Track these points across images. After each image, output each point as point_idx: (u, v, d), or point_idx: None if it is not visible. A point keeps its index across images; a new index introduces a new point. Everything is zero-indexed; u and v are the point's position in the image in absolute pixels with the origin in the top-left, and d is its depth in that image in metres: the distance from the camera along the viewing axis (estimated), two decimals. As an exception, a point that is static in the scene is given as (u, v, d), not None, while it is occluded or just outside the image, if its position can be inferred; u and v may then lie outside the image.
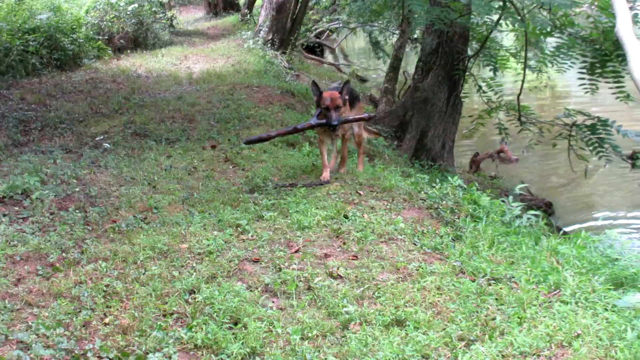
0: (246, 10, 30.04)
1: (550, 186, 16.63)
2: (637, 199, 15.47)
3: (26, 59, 17.28)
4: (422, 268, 7.15)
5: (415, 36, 24.01)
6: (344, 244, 7.69)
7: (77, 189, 8.90)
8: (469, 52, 15.50)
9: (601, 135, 13.20)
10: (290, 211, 8.50)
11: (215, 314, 6.00)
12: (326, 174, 9.79)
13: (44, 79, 17.07)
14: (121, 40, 22.79)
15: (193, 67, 20.48)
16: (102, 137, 12.02)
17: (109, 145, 11.40)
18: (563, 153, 14.26)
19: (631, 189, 15.84)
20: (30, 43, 17.66)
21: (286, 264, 7.10)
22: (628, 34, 6.84)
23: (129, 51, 22.60)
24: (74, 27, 19.68)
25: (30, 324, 5.53)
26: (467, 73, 15.34)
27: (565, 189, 16.33)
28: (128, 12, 23.07)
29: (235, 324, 5.93)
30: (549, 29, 13.53)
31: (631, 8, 17.19)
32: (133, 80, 17.93)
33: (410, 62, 24.94)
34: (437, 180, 10.46)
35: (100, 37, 21.39)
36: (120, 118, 13.47)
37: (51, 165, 9.76)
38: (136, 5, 23.56)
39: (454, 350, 5.70)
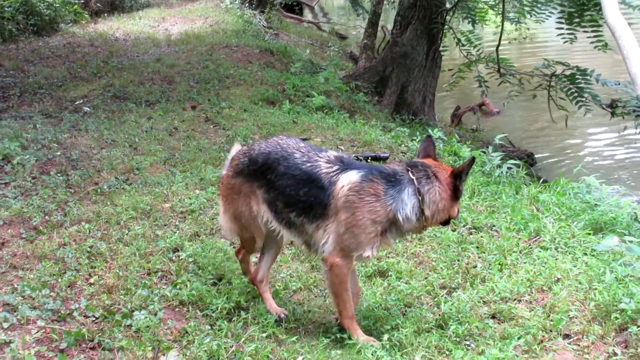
0: (223, -30, 29.75)
1: (532, 137, 16.69)
2: (617, 147, 15.56)
3: (2, 25, 17.13)
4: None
5: (394, -9, 23.89)
6: (326, 198, 7.72)
7: (58, 153, 8.88)
8: (447, 5, 15.44)
9: (580, 85, 13.23)
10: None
11: (200, 270, 6.06)
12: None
13: (21, 45, 16.96)
14: (98, 4, 22.61)
15: (171, 29, 20.36)
16: (81, 101, 11.97)
17: (88, 109, 11.36)
18: (544, 104, 14.28)
19: (611, 137, 15.92)
20: (6, 9, 17.47)
21: (269, 219, 7.14)
22: (602, -20, 6.87)
23: (106, 14, 22.44)
24: (50, -9, 19.49)
25: (15, 286, 5.54)
26: (445, 26, 15.29)
27: (546, 139, 16.39)
28: (104, -25, 22.84)
29: (220, 279, 5.99)
30: (526, -21, 13.51)
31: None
32: (111, 43, 17.82)
33: (389, 18, 24.86)
34: (418, 133, 10.52)
35: (77, 1, 21.15)
36: (99, 81, 13.40)
37: (31, 130, 9.72)
38: (112, -33, 23.31)
39: (436, 298, 5.81)
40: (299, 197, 5.19)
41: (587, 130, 16.78)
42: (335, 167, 5.18)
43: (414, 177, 5.13)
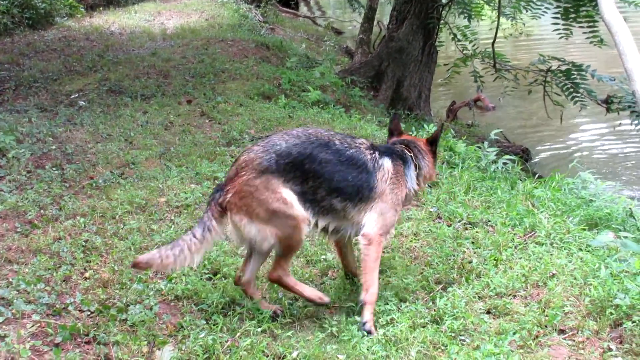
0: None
1: (528, 132, 16.67)
2: (613, 142, 15.57)
3: (-3, 19, 17.10)
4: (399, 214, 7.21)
5: (390, -15, 23.82)
6: (322, 193, 7.72)
7: (54, 147, 8.88)
8: (443, 0, 15.41)
9: (576, 80, 13.24)
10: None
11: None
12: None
13: (16, 39, 16.91)
14: (93, -3, 22.54)
15: (167, 23, 20.30)
16: (77, 95, 11.95)
17: (84, 103, 11.34)
18: (540, 99, 14.28)
19: (606, 132, 15.92)
20: (1, 2, 17.44)
21: (264, 214, 7.14)
22: (598, -24, 6.86)
23: (101, 8, 22.33)
24: (45, -15, 19.44)
25: (10, 280, 5.55)
26: (441, 21, 15.27)
27: (541, 134, 16.38)
28: (99, -32, 22.78)
29: (215, 274, 6.00)
30: (522, -26, 13.49)
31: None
32: (106, 37, 17.76)
33: (385, 13, 24.80)
34: (414, 128, 10.52)
35: (72, -5, 21.12)
36: (95, 75, 13.37)
37: (26, 124, 9.71)
38: (107, -40, 23.24)
39: (432, 293, 5.80)
40: (347, 182, 5.41)
41: (582, 126, 16.79)
42: (376, 153, 5.62)
43: (411, 154, 5.83)
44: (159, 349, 4.90)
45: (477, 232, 6.88)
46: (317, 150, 5.38)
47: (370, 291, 5.43)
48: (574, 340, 5.06)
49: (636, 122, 12.09)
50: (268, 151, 5.32)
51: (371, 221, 5.51)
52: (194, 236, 5.25)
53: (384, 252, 6.44)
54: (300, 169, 5.31)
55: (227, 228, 5.36)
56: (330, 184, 5.38)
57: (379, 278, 5.87)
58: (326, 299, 5.55)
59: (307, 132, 5.54)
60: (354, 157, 5.49)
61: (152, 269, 5.42)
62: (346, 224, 5.57)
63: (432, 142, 6.04)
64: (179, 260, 5.24)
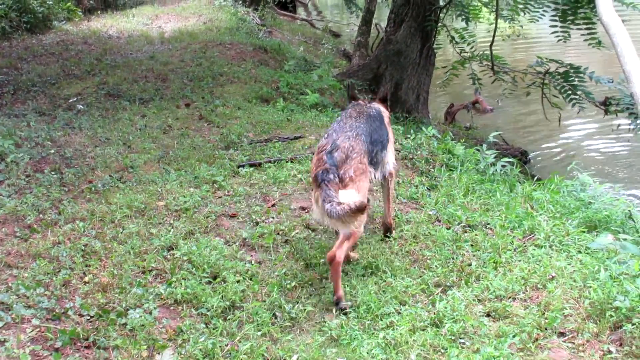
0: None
1: (526, 135, 16.65)
2: (610, 143, 15.56)
3: (-5, 23, 17.10)
4: (398, 217, 7.24)
5: (387, -12, 23.80)
6: (320, 196, 7.73)
7: (52, 151, 8.86)
8: (441, 3, 15.40)
9: (574, 83, 13.20)
10: (265, 166, 8.56)
11: (194, 269, 6.06)
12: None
13: (14, 43, 16.89)
14: (91, 1, 22.54)
15: (164, 26, 20.30)
16: (75, 98, 11.93)
17: (82, 107, 11.32)
18: (538, 102, 14.24)
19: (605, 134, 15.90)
20: (-1, 6, 17.45)
21: (263, 218, 7.16)
22: (596, -22, 6.86)
23: (99, 12, 22.37)
24: (43, -12, 19.44)
25: (10, 285, 5.55)
26: (439, 24, 15.25)
27: (540, 136, 16.37)
28: (97, -28, 22.80)
29: (215, 278, 5.99)
30: (519, -24, 13.46)
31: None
32: (104, 41, 17.75)
33: (382, 15, 24.81)
34: (412, 131, 10.51)
35: (70, -1, 21.14)
36: (93, 79, 13.36)
37: (25, 128, 9.69)
38: (105, -36, 23.28)
39: (431, 296, 5.80)
40: (385, 137, 6.68)
41: (580, 128, 16.75)
42: (374, 105, 6.94)
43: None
44: (158, 353, 4.91)
45: (476, 234, 6.89)
46: (375, 122, 6.56)
47: (391, 215, 6.94)
48: (573, 343, 5.06)
49: (635, 123, 12.07)
50: (359, 134, 6.22)
51: (391, 161, 6.80)
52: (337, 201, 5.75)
53: (383, 253, 6.48)
54: (372, 142, 6.32)
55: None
56: (382, 144, 6.54)
57: (378, 279, 5.92)
58: (347, 307, 5.67)
59: (357, 112, 6.62)
60: (380, 117, 6.72)
61: None
62: (384, 167, 6.68)
63: (383, 99, 7.28)
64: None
